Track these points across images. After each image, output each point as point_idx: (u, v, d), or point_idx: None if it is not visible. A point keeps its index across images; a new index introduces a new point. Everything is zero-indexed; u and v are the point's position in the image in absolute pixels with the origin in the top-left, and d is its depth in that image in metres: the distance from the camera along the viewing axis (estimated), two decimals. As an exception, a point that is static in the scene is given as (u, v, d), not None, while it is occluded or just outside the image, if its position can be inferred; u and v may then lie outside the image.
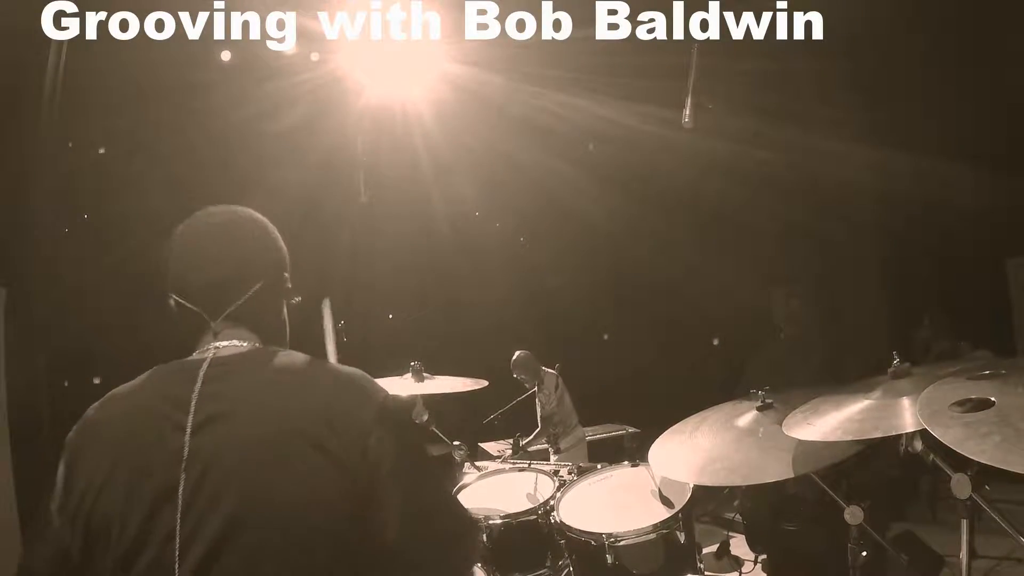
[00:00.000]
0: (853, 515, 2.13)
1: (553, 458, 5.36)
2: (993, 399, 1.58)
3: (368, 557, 1.18)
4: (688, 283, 7.83)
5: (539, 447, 6.00)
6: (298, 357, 1.33)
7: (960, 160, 5.65)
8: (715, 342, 8.93)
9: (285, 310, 1.46)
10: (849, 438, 1.78)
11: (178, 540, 1.13)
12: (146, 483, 1.17)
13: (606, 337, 8.62)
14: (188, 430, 1.18)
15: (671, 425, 2.65)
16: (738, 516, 4.20)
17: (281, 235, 1.46)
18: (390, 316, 8.36)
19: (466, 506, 3.08)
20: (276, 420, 1.19)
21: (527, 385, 5.83)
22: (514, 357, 5.80)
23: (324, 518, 1.16)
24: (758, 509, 3.82)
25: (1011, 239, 6.29)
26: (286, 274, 1.43)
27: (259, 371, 1.28)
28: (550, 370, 5.83)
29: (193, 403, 1.21)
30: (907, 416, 1.76)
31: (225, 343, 1.31)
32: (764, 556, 3.63)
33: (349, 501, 1.17)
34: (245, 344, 1.32)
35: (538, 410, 5.98)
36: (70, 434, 1.29)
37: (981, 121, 5.98)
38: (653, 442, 2.63)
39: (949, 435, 1.54)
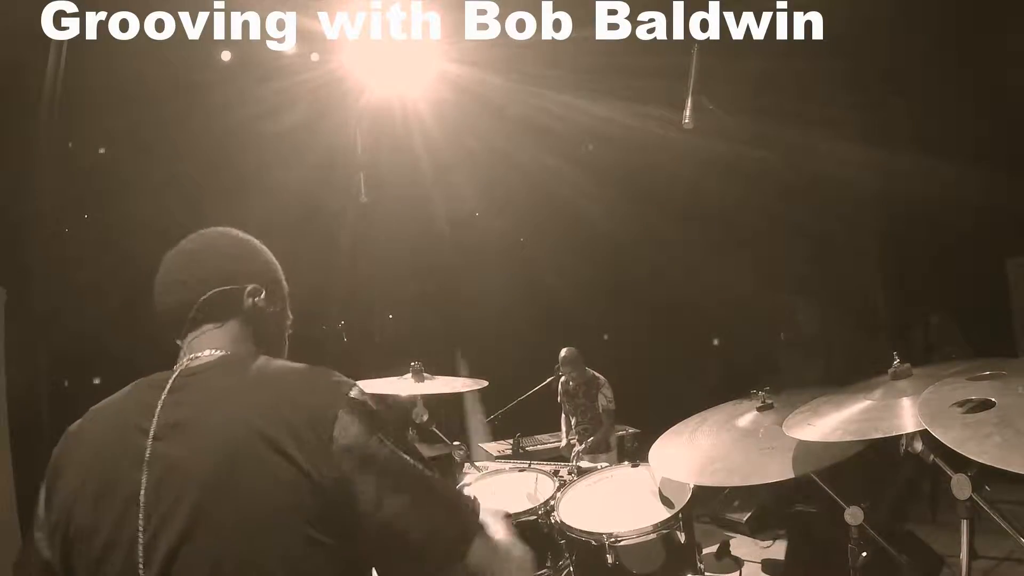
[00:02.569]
0: (853, 515, 2.14)
1: (603, 456, 5.47)
2: (994, 400, 1.58)
3: (342, 563, 1.16)
4: (688, 283, 7.83)
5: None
6: (265, 362, 1.32)
7: (960, 160, 5.64)
8: (715, 342, 8.93)
9: (271, 321, 1.45)
10: (849, 438, 1.78)
11: (141, 546, 1.14)
12: (114, 490, 1.18)
13: (606, 337, 8.62)
14: (151, 436, 1.19)
15: (671, 425, 2.66)
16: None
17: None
18: (390, 316, 8.36)
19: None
20: (235, 425, 1.17)
21: (571, 383, 5.87)
22: (564, 353, 5.83)
23: (286, 523, 1.13)
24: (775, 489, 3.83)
25: (1011, 239, 6.28)
26: (258, 285, 1.42)
27: (222, 378, 1.27)
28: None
29: (157, 410, 1.22)
30: (907, 416, 1.76)
31: (198, 354, 1.33)
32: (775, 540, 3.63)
33: (313, 504, 1.13)
34: (217, 353, 1.33)
35: (564, 408, 6.03)
36: (53, 451, 1.31)
37: (981, 121, 5.98)
38: (653, 442, 2.63)
39: (950, 436, 1.54)
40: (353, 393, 1.23)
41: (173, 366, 1.33)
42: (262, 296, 1.41)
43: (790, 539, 3.66)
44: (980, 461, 1.46)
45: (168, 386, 1.25)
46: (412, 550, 1.18)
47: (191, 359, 1.32)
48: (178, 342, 1.38)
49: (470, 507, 1.29)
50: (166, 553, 1.12)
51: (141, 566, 1.13)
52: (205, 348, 1.34)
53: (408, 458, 1.22)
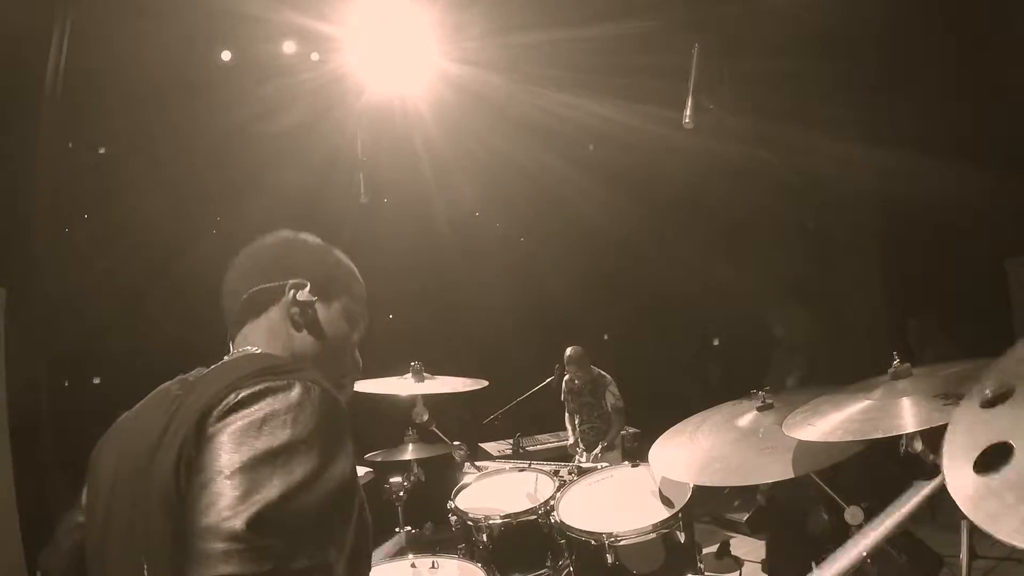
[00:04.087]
0: (853, 515, 2.13)
1: (608, 456, 5.50)
2: (1012, 443, 1.18)
3: None
4: (688, 283, 7.84)
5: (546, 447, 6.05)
6: (244, 356, 1.29)
7: (960, 159, 5.64)
8: (715, 342, 8.94)
9: (319, 316, 1.38)
10: (849, 438, 1.78)
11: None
12: (141, 491, 1.13)
13: (606, 337, 8.62)
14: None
15: (671, 425, 2.66)
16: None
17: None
18: (390, 316, 8.35)
19: (466, 506, 3.11)
20: (156, 425, 1.14)
21: (576, 381, 5.88)
22: (570, 352, 5.84)
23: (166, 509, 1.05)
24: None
25: (1011, 238, 6.28)
26: (302, 280, 1.36)
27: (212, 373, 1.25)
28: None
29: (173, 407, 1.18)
30: (907, 416, 1.76)
31: (235, 352, 1.33)
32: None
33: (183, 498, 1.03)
34: (250, 350, 1.31)
35: (567, 407, 6.04)
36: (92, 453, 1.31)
37: (981, 121, 5.98)
38: (653, 442, 2.63)
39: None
40: (244, 393, 1.08)
41: (184, 367, 1.33)
42: (306, 289, 1.36)
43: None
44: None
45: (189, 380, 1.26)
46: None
47: (227, 359, 1.31)
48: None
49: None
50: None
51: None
52: (241, 346, 1.33)
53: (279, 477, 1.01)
